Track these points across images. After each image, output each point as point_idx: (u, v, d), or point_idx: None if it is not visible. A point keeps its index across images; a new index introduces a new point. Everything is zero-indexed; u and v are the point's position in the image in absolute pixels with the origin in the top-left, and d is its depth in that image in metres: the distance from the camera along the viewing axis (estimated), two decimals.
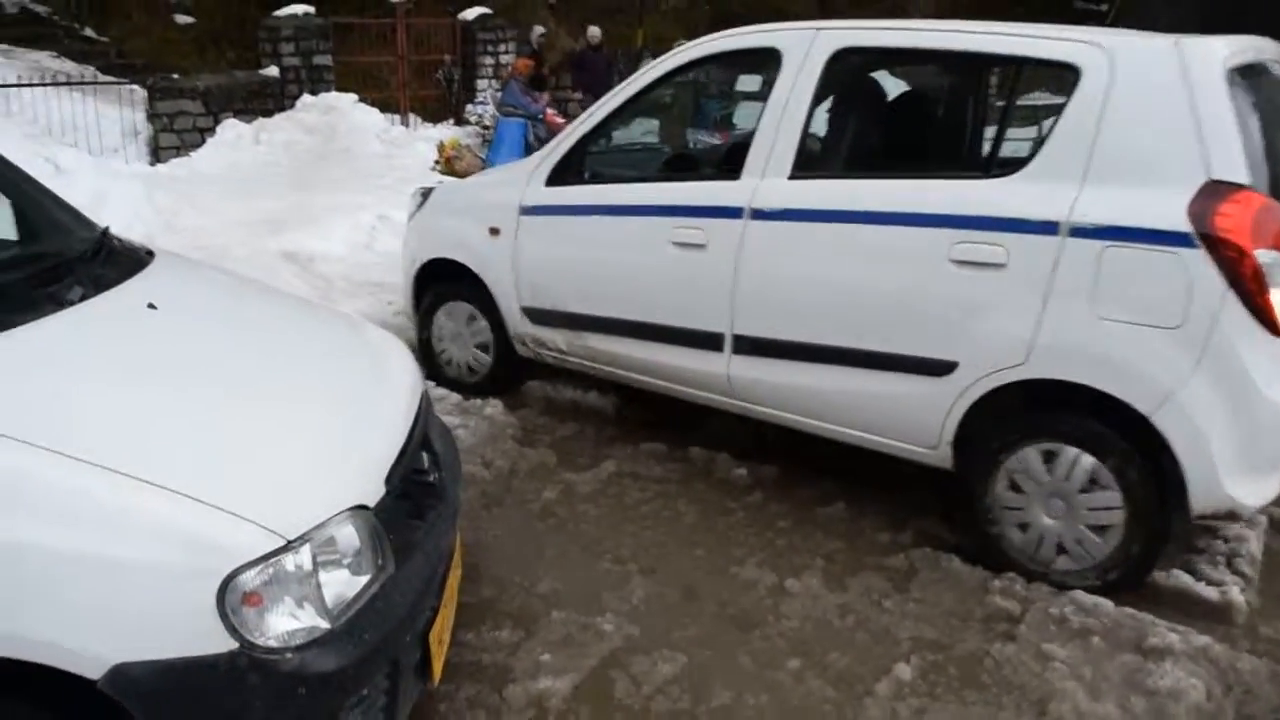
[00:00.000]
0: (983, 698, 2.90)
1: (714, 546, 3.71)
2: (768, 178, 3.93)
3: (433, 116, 13.63)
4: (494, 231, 4.81)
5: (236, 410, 2.24)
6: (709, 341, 4.10)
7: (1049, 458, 3.43)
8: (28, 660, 1.77)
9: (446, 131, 12.76)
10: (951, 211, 3.50)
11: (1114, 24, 10.19)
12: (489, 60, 14.19)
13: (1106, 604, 3.28)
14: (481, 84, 14.04)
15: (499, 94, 12.74)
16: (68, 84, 10.71)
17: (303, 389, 2.47)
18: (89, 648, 1.78)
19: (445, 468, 2.70)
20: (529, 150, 11.90)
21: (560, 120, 12.57)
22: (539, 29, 14.22)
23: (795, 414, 4.00)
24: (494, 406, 4.86)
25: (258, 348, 2.65)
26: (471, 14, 14.35)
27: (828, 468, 4.24)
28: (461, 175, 11.00)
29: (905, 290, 3.60)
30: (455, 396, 5.01)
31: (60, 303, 2.36)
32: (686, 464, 4.41)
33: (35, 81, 10.58)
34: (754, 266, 3.93)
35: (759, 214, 3.91)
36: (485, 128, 12.72)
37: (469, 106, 13.43)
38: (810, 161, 4.03)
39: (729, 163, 4.34)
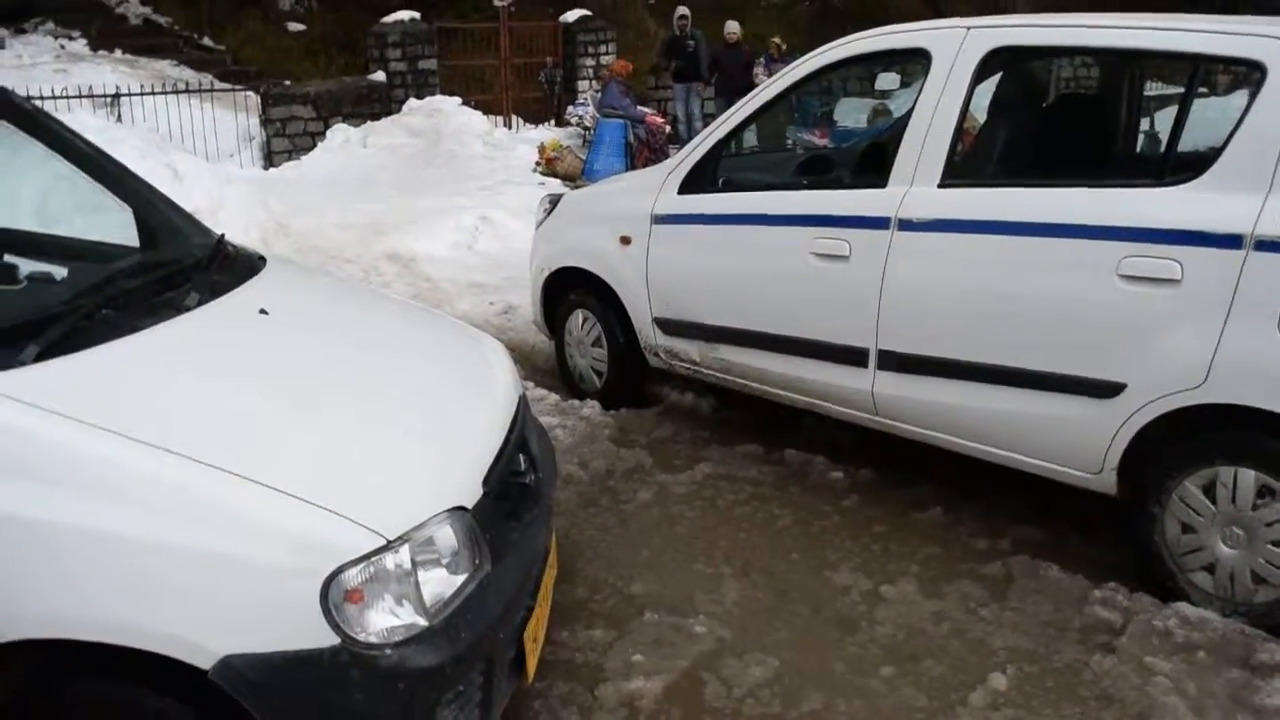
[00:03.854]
0: (1080, 711, 2.84)
1: (808, 550, 3.69)
2: (916, 185, 3.77)
3: (534, 118, 13.78)
4: (625, 240, 4.77)
5: (341, 413, 2.31)
6: (852, 357, 3.97)
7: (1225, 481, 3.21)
8: (148, 650, 1.85)
9: (548, 133, 12.89)
10: (1118, 223, 3.28)
11: (1236, 10, 9.88)
12: (589, 62, 14.28)
13: (1213, 617, 3.17)
14: (582, 85, 14.13)
15: (599, 95, 12.87)
16: (186, 91, 11.17)
17: (404, 392, 2.53)
18: (201, 639, 1.85)
19: (542, 469, 2.73)
20: (629, 151, 12.01)
21: (660, 120, 12.62)
22: (682, 10, 13.32)
23: (945, 434, 3.82)
24: (591, 407, 4.90)
25: (362, 351, 2.71)
26: (572, 16, 14.47)
27: (925, 473, 4.17)
28: (562, 177, 11.17)
29: (1067, 307, 3.40)
30: (554, 397, 5.06)
31: (178, 309, 2.45)
32: (782, 466, 4.39)
33: (156, 90, 11.08)
34: (901, 279, 3.79)
35: (907, 224, 3.76)
36: (586, 129, 12.80)
37: (569, 108, 13.53)
38: (962, 168, 3.89)
39: (873, 168, 4.16)
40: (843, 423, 4.21)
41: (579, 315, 5.17)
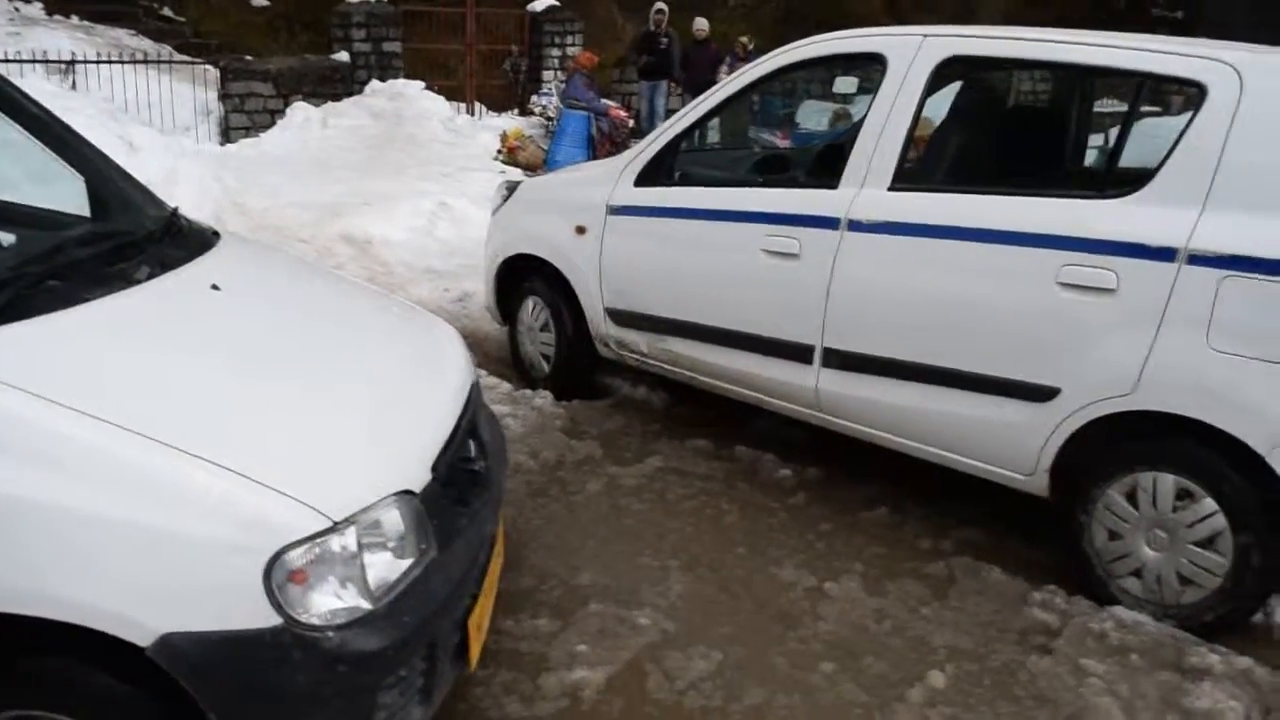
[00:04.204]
0: (1015, 710, 2.89)
1: (754, 546, 3.71)
2: (867, 188, 3.83)
3: (498, 106, 13.69)
4: (580, 230, 4.79)
5: (290, 392, 2.28)
6: (798, 353, 4.02)
7: (1151, 486, 3.28)
8: (85, 625, 1.82)
9: (511, 122, 12.81)
10: (1059, 232, 3.35)
11: (1191, 31, 10.07)
12: (555, 52, 14.20)
13: (1147, 621, 3.24)
14: (547, 75, 14.05)
15: (563, 86, 12.84)
16: (144, 61, 10.93)
17: (355, 373, 2.50)
18: (141, 617, 1.83)
19: (492, 456, 2.73)
20: (591, 143, 11.98)
21: (623, 113, 12.60)
22: (660, 4, 13.22)
23: (885, 432, 3.89)
24: (543, 398, 4.90)
25: (314, 331, 2.69)
26: (539, 5, 14.38)
27: (873, 472, 4.21)
28: (524, 166, 11.10)
29: (1007, 312, 3.47)
30: (505, 385, 5.05)
31: (128, 280, 2.41)
32: (731, 462, 4.41)
33: (113, 59, 10.83)
34: (849, 279, 3.84)
35: (856, 225, 3.81)
36: (549, 119, 12.75)
37: (534, 98, 13.46)
38: (913, 173, 3.96)
39: (826, 169, 4.21)
40: (794, 421, 4.24)
41: (531, 303, 5.18)
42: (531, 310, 5.20)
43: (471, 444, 2.65)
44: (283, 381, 2.32)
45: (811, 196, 4.03)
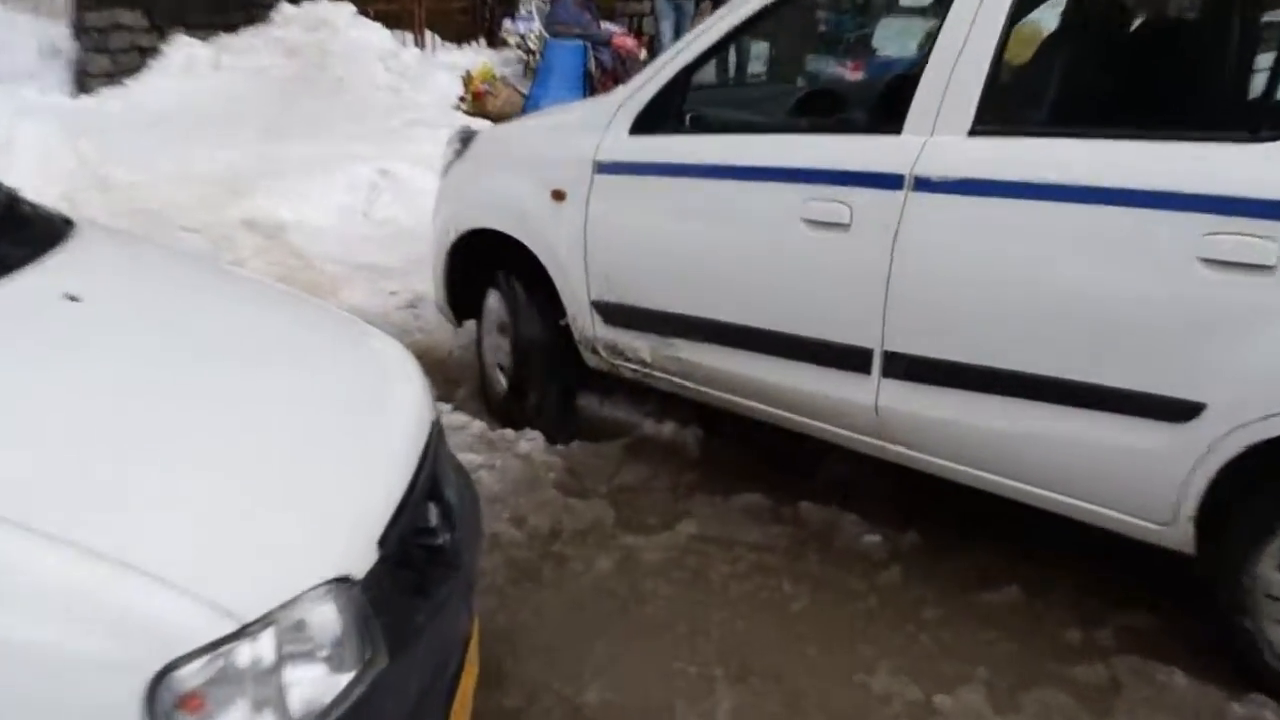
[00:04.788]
0: None
1: (832, 644, 3.67)
2: (939, 134, 3.85)
3: (458, 36, 13.73)
4: (558, 195, 4.84)
5: (179, 446, 2.26)
6: (850, 360, 4.04)
7: None
8: None
9: (476, 57, 12.85)
10: (1203, 190, 3.32)
11: None
12: None
13: None
14: None
15: (548, 7, 12.88)
16: None
17: (268, 416, 2.49)
18: None
19: (460, 526, 2.71)
20: (588, 82, 12.00)
21: (632, 42, 12.62)
22: None
23: (968, 466, 3.91)
24: (531, 440, 4.89)
25: (210, 358, 2.67)
26: None
27: (993, 533, 4.18)
28: (496, 117, 11.08)
29: (1128, 299, 3.47)
30: (479, 425, 5.06)
31: None
32: (796, 526, 4.38)
33: None
34: (917, 257, 3.85)
35: (925, 184, 3.83)
36: (529, 52, 12.79)
37: (506, 23, 13.50)
38: (1002, 112, 3.95)
39: (886, 109, 4.24)
40: (882, 464, 4.20)
41: (496, 297, 5.26)
42: (497, 308, 5.31)
43: (432, 510, 2.63)
44: (167, 430, 2.29)
45: (866, 146, 4.08)
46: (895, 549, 4.22)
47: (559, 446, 4.91)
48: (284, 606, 1.99)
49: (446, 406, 5.12)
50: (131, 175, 8.33)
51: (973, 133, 3.79)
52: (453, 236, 5.34)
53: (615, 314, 4.77)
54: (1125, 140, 3.59)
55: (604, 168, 4.69)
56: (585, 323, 4.89)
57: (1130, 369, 3.48)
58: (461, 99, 11.43)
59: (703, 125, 4.62)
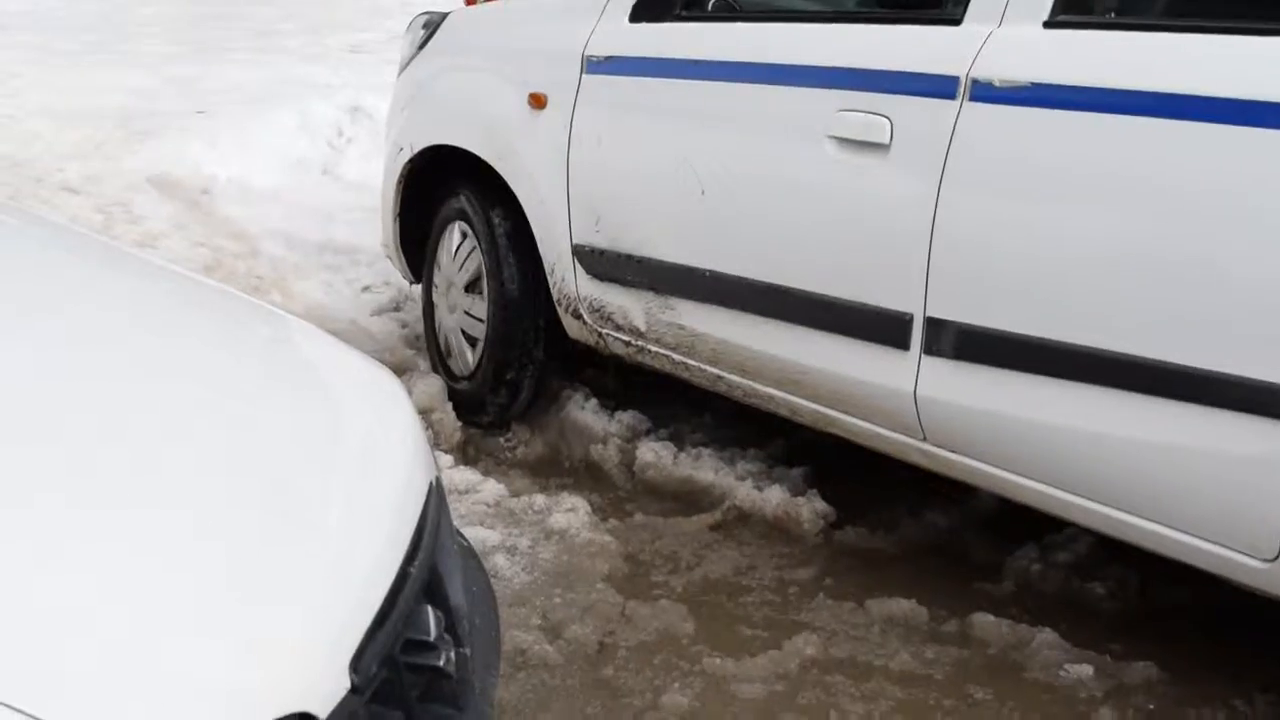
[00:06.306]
0: None
1: None
2: (1009, 23, 3.78)
3: None
4: (537, 101, 4.92)
5: (68, 519, 2.10)
6: (884, 328, 4.00)
7: None
8: None
9: None
10: None
11: None
12: None
13: None
14: None
15: None
16: None
17: (190, 484, 2.30)
18: None
19: (470, 638, 2.57)
20: None
21: None
22: None
23: (1029, 477, 3.85)
24: (572, 509, 4.69)
25: (113, 389, 2.51)
26: None
27: (1256, 649, 3.96)
28: None
29: (1246, 258, 3.39)
30: (494, 487, 4.84)
31: None
32: (965, 648, 4.13)
33: None
34: (972, 190, 3.79)
35: (987, 92, 3.76)
36: None
37: None
38: None
39: None
40: (1096, 561, 4.18)
41: (454, 235, 5.36)
42: (454, 249, 5.34)
43: (430, 615, 2.45)
44: (52, 504, 2.14)
45: (910, 39, 4.09)
46: (1115, 685, 3.98)
47: (613, 521, 4.73)
48: None
49: (447, 460, 4.95)
50: None
51: (1051, 22, 3.75)
52: (407, 156, 5.46)
53: (603, 263, 4.80)
54: (1250, 34, 3.56)
55: (596, 65, 4.78)
56: (566, 276, 4.95)
57: (1230, 346, 3.47)
58: (472, 2, 11.48)
59: (726, 11, 4.64)
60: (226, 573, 2.20)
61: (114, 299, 3.03)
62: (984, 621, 4.26)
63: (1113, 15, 3.88)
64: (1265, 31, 3.53)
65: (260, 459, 2.56)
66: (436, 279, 5.49)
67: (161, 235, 6.91)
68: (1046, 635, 4.18)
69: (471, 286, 5.31)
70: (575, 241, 4.84)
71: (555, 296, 5.03)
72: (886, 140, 3.98)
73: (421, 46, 5.67)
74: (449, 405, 5.52)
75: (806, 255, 4.27)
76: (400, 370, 4.73)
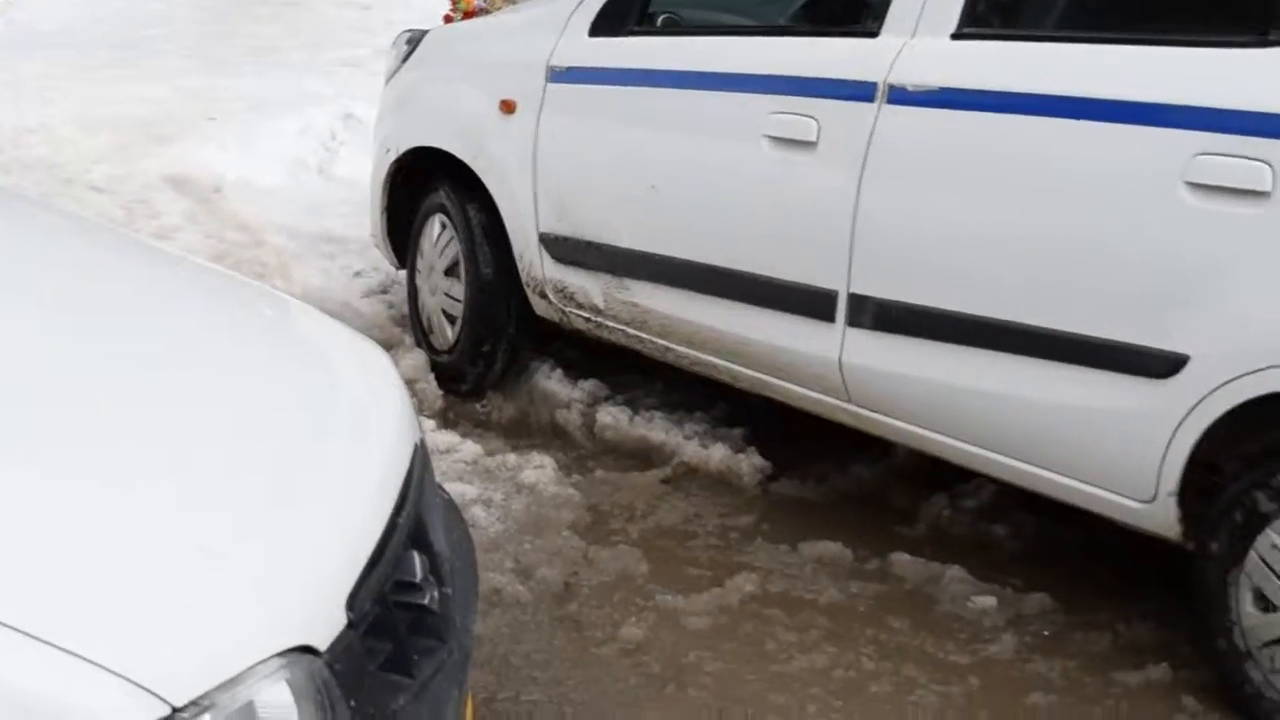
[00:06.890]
0: None
1: None
2: (920, 35, 4.05)
3: None
4: (507, 106, 5.21)
5: (88, 483, 2.19)
6: (813, 304, 4.29)
7: None
8: None
9: None
10: (1190, 101, 3.49)
11: None
12: None
13: None
14: None
15: None
16: None
17: (203, 443, 2.43)
18: None
19: (452, 580, 2.66)
20: None
21: None
22: None
23: (938, 433, 4.14)
24: (539, 467, 4.91)
25: (129, 361, 2.63)
26: None
27: (1137, 583, 4.17)
28: None
29: (1114, 237, 3.65)
30: (472, 448, 5.08)
31: None
32: (884, 584, 4.36)
33: None
34: (888, 181, 4.08)
35: (900, 95, 4.05)
36: None
37: None
38: (993, 10, 4.10)
39: (863, 6, 4.48)
40: (1008, 504, 4.37)
41: (435, 225, 5.62)
42: (435, 238, 5.59)
43: (416, 559, 2.57)
44: (72, 463, 2.23)
45: (835, 50, 4.34)
46: (1015, 615, 4.19)
47: (576, 476, 4.94)
48: (225, 686, 1.94)
49: (430, 424, 5.16)
50: (19, 117, 8.34)
51: (959, 35, 4.01)
52: (393, 156, 5.69)
53: (566, 249, 5.08)
54: (1128, 44, 3.88)
55: (558, 74, 5.05)
56: (534, 260, 5.22)
57: (1103, 313, 3.75)
58: (448, 19, 11.35)
59: (676, 25, 4.92)
60: (235, 521, 2.29)
61: (135, 284, 3.13)
62: (901, 560, 4.49)
63: (1008, 30, 4.10)
64: (1127, 40, 3.86)
65: (267, 422, 2.67)
66: (419, 265, 5.74)
67: (177, 228, 7.11)
68: (955, 571, 4.40)
69: (450, 271, 5.54)
70: (541, 230, 5.11)
71: (524, 279, 5.29)
72: (814, 138, 4.23)
73: (405, 60, 5.89)
74: (431, 376, 5.76)
75: (744, 240, 4.50)
76: (388, 345, 4.96)
